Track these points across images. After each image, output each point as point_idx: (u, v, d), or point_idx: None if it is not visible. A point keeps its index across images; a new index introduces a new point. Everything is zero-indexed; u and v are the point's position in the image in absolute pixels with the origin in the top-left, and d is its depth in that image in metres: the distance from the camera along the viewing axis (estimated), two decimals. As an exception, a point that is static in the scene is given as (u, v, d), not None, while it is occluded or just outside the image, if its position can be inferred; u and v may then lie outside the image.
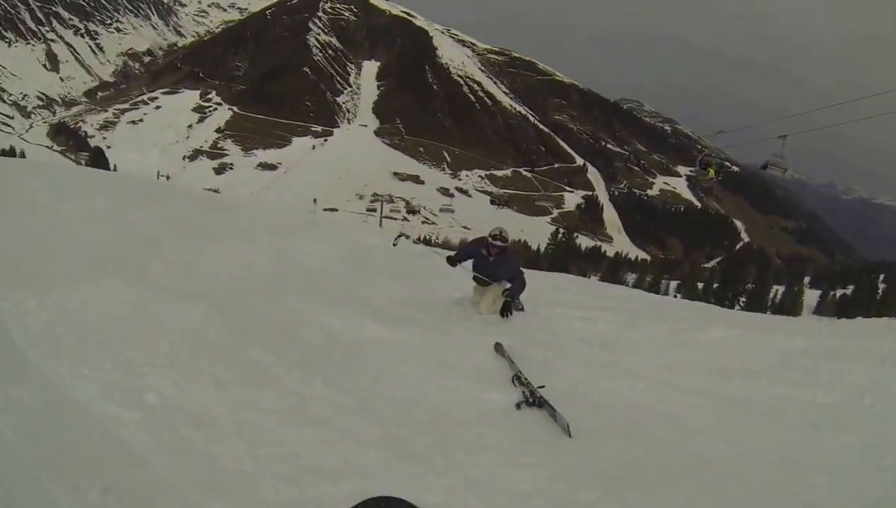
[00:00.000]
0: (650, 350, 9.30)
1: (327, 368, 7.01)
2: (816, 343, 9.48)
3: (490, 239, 10.75)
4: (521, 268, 11.20)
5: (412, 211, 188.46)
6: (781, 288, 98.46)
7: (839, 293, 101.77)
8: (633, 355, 9.00)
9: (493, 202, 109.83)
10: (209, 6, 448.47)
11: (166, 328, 6.91)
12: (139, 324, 6.93)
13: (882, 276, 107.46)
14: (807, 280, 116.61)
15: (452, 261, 11.39)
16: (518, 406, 6.60)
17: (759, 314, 20.11)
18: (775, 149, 25.32)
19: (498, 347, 8.50)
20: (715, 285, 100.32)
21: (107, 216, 14.11)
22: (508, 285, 10.96)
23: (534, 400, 6.65)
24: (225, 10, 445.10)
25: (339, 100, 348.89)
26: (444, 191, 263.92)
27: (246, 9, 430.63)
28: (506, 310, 10.55)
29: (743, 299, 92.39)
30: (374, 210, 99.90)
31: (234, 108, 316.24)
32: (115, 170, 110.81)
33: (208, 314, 7.56)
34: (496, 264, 10.94)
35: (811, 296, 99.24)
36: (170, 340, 6.65)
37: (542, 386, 6.90)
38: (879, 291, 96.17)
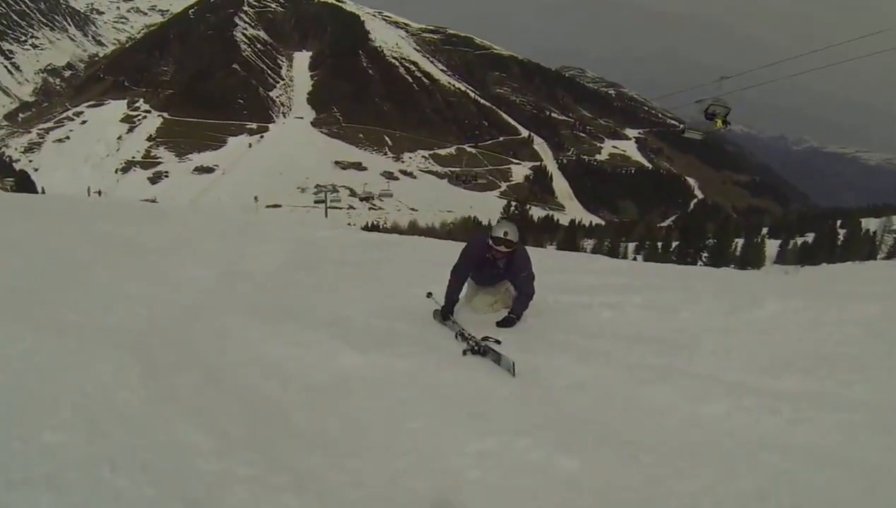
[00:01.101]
0: (716, 342, 7.11)
1: (292, 447, 4.78)
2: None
3: (492, 244, 8.30)
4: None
5: (366, 197, 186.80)
6: (741, 242, 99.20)
7: (800, 241, 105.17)
8: (703, 354, 6.77)
9: (459, 179, 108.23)
10: (128, 11, 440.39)
11: (58, 397, 4.93)
12: (25, 391, 5.05)
13: (839, 222, 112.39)
14: (765, 231, 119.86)
15: (445, 313, 8.58)
16: (464, 353, 6.79)
17: (785, 271, 18.33)
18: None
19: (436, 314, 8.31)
20: (675, 243, 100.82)
21: (24, 244, 12.22)
22: (513, 289, 8.76)
23: (478, 348, 6.75)
24: (146, 14, 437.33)
25: (273, 94, 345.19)
26: (389, 175, 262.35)
27: (168, 10, 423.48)
28: (507, 323, 8.26)
29: (705, 255, 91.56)
30: (327, 201, 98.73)
31: (165, 114, 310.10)
32: (42, 192, 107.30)
33: (122, 366, 5.75)
34: (507, 266, 8.54)
35: (771, 247, 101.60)
36: (59, 419, 4.58)
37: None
38: (840, 237, 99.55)
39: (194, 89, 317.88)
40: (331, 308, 9.01)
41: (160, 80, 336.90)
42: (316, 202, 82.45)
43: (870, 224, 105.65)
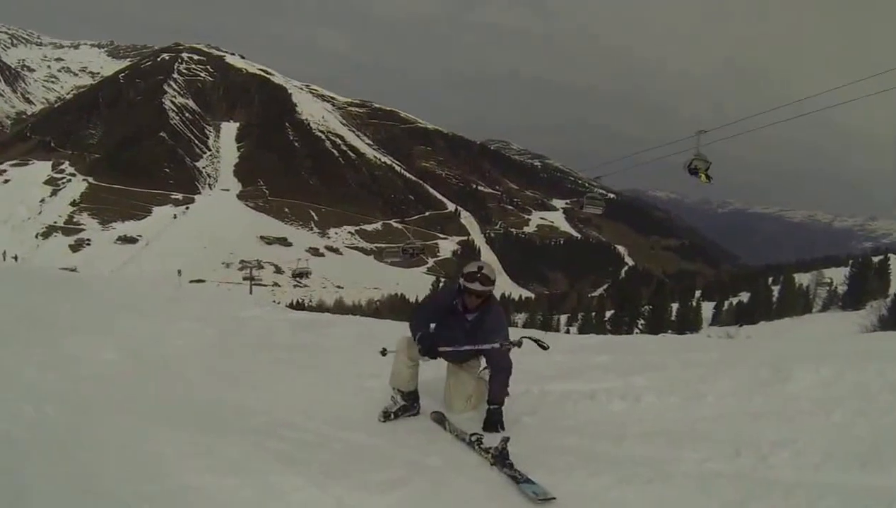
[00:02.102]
0: (775, 432, 5.76)
1: None
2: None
3: (464, 282, 6.65)
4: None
5: (300, 274, 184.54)
6: (675, 306, 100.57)
7: (734, 301, 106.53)
8: (773, 450, 5.35)
9: (404, 252, 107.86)
10: (59, 71, 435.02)
11: None
12: None
13: (770, 279, 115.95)
14: (698, 294, 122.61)
15: (427, 349, 6.84)
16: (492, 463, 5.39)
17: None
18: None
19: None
20: (609, 312, 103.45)
21: None
22: (485, 365, 7.16)
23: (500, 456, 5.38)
24: (76, 75, 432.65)
25: (199, 164, 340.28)
26: (314, 251, 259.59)
27: (98, 73, 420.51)
28: (494, 425, 6.53)
29: (641, 322, 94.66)
30: (255, 277, 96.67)
31: (90, 179, 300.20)
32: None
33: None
34: (476, 324, 6.83)
35: (706, 309, 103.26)
36: None
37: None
38: (774, 293, 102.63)
39: (121, 155, 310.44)
40: (267, 408, 7.18)
41: (87, 144, 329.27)
42: (245, 278, 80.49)
43: (802, 279, 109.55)
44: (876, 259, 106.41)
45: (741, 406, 6.55)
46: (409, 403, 7.01)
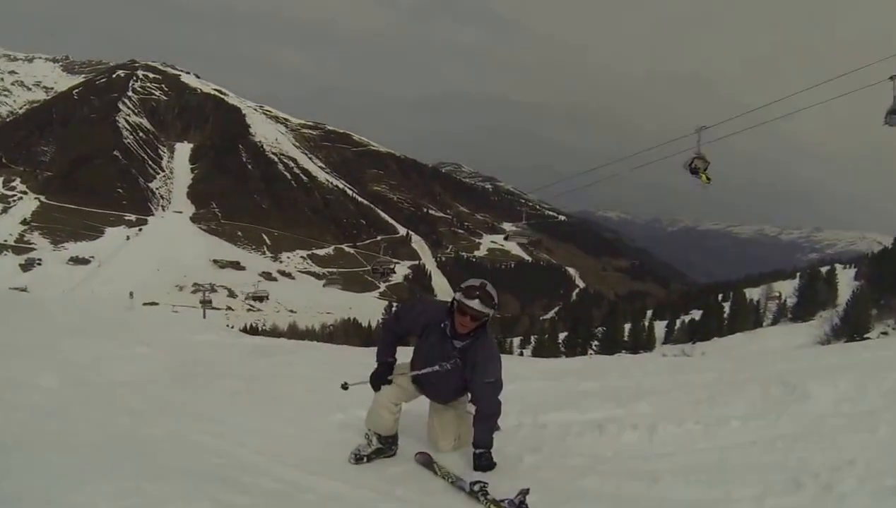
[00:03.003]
0: (824, 454, 5.00)
1: None
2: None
3: (462, 298, 5.50)
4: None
5: (258, 297, 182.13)
6: (628, 326, 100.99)
7: (686, 319, 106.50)
8: (837, 476, 4.61)
9: (374, 271, 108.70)
10: (12, 84, 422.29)
11: None
12: None
13: (720, 296, 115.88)
14: (649, 313, 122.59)
15: (377, 379, 6.02)
16: None
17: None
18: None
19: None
20: (562, 335, 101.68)
21: None
22: (469, 403, 6.15)
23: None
24: (29, 89, 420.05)
25: (153, 185, 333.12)
26: (267, 276, 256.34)
27: (52, 88, 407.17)
28: (484, 469, 5.58)
29: (595, 343, 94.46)
30: (210, 301, 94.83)
31: (42, 197, 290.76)
32: None
33: None
34: (464, 353, 5.69)
35: (658, 328, 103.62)
36: None
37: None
38: (725, 309, 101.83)
39: (74, 174, 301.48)
40: (224, 449, 6.04)
41: (39, 161, 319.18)
42: (201, 302, 78.96)
43: (752, 293, 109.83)
44: (823, 270, 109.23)
45: (770, 429, 5.84)
46: (385, 446, 6.05)
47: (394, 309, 5.61)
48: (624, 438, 5.93)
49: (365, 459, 5.88)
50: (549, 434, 6.33)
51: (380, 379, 5.92)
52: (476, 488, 4.84)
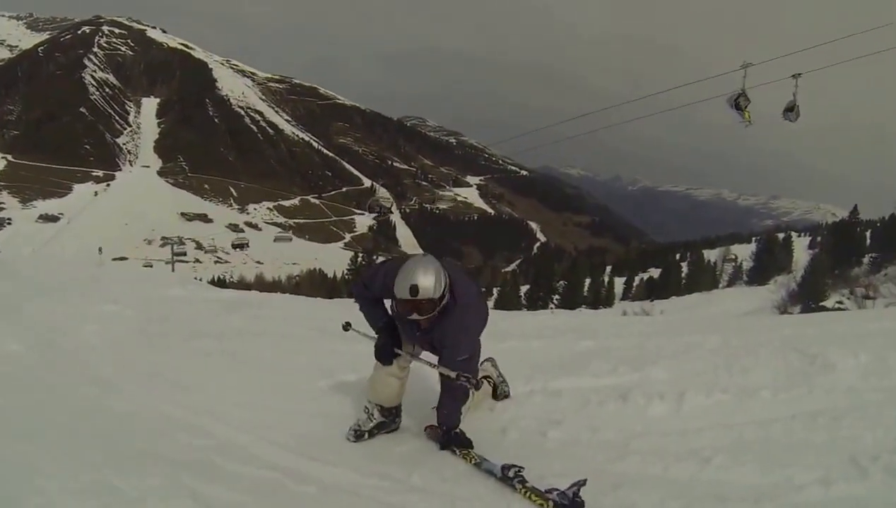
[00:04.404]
0: (876, 433, 4.50)
1: None
2: None
3: (398, 310, 4.89)
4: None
5: (240, 245, 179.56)
6: (588, 281, 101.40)
7: (644, 277, 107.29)
8: None
9: (370, 209, 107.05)
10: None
11: None
12: None
13: (678, 255, 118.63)
14: (608, 269, 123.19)
15: (385, 351, 5.17)
16: None
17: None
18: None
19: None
20: (524, 288, 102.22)
21: None
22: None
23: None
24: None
25: (120, 141, 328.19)
26: (234, 228, 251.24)
27: (17, 46, 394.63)
28: (458, 441, 4.98)
29: (556, 297, 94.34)
30: (184, 253, 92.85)
31: (8, 157, 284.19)
32: None
33: None
34: (433, 333, 4.94)
35: (617, 284, 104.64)
36: None
37: None
38: (683, 269, 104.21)
39: (41, 132, 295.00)
40: (202, 427, 5.30)
41: (5, 120, 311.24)
42: (176, 256, 76.63)
43: (710, 255, 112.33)
44: (780, 236, 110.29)
45: (805, 402, 5.30)
46: (388, 419, 5.42)
47: (360, 275, 4.76)
48: (652, 409, 5.36)
49: (366, 435, 5.27)
50: (566, 404, 5.70)
51: (387, 350, 5.15)
52: (510, 473, 4.16)
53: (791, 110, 18.16)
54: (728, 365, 6.32)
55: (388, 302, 5.16)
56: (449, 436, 4.95)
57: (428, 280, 4.54)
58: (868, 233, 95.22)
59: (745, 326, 11.11)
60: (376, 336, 5.23)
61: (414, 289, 4.51)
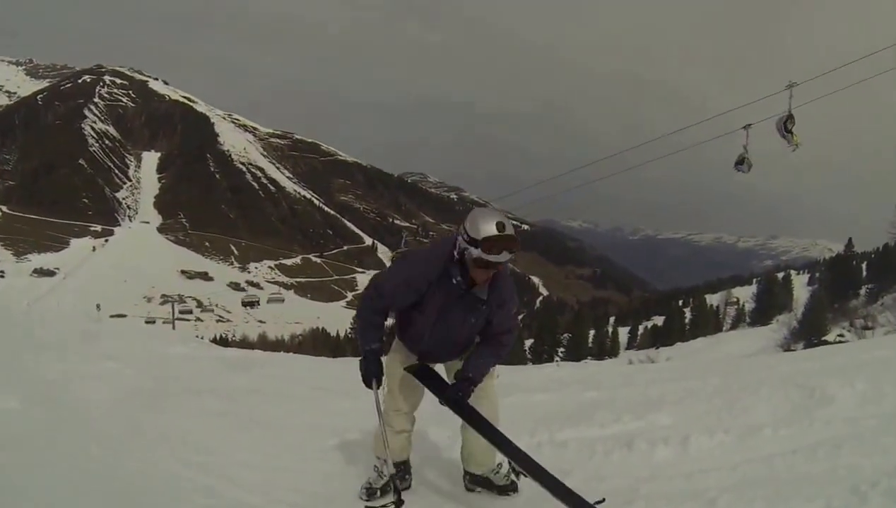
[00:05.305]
0: (875, 463, 4.54)
1: None
2: None
3: (483, 254, 4.17)
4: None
5: (249, 303, 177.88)
6: (592, 333, 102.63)
7: (648, 325, 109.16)
8: None
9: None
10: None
11: None
12: None
13: (681, 302, 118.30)
14: (612, 320, 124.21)
15: (370, 372, 4.88)
16: None
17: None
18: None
19: None
20: (529, 341, 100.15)
21: None
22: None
23: None
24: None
25: (119, 195, 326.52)
26: (235, 286, 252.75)
27: (15, 93, 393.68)
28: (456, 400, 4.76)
29: (561, 350, 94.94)
30: (190, 310, 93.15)
31: (3, 208, 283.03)
32: None
33: None
34: (491, 297, 4.66)
35: (621, 334, 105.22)
36: None
37: None
38: (686, 315, 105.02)
39: (38, 183, 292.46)
40: (212, 487, 5.25)
41: (1, 169, 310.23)
42: (181, 312, 75.74)
43: (712, 299, 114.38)
44: (780, 275, 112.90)
45: (805, 436, 5.47)
46: (400, 474, 5.14)
47: (372, 282, 4.44)
48: (657, 454, 5.48)
49: (378, 493, 5.12)
50: (573, 454, 5.82)
51: (373, 370, 4.82)
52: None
53: (742, 163, 17.31)
54: (729, 406, 6.54)
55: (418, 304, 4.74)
56: (463, 388, 4.69)
57: (503, 216, 4.29)
58: (864, 265, 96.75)
59: (746, 366, 11.30)
60: (362, 357, 4.90)
61: (501, 225, 4.16)
